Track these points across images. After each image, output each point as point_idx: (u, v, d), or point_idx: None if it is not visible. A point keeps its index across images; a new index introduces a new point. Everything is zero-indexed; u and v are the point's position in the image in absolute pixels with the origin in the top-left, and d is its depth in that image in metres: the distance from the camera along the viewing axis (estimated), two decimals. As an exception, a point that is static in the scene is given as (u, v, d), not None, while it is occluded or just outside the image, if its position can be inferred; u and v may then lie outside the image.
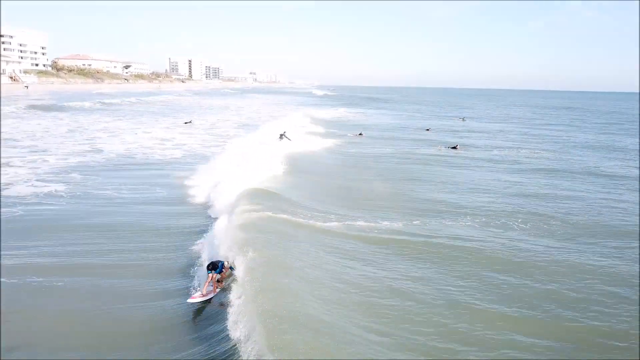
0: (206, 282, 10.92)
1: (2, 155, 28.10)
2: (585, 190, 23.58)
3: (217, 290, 11.06)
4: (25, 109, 60.83)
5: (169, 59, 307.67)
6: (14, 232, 14.78)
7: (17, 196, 19.16)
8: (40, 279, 11.61)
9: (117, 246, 14.01)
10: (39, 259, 12.74)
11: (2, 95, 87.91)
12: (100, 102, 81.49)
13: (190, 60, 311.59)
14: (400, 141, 42.94)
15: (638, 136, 52.51)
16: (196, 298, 10.58)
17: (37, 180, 22.26)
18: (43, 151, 30.44)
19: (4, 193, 19.67)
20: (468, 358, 8.97)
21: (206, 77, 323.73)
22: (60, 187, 20.93)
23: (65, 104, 72.37)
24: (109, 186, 21.40)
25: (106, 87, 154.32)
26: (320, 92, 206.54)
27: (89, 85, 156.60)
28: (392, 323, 9.87)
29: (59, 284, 11.47)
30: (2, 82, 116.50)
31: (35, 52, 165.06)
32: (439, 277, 12.49)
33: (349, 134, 46.28)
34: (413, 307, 10.67)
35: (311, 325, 9.11)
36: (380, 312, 10.28)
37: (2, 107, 59.50)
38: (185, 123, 50.94)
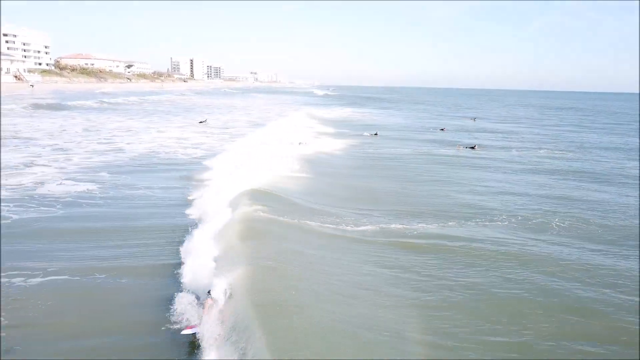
0: (205, 308, 9.40)
1: (25, 154, 28.02)
2: (616, 193, 23.35)
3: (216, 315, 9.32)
4: (36, 107, 60.74)
5: (171, 58, 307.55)
6: (66, 233, 14.67)
7: (52, 195, 19.03)
8: (103, 276, 11.63)
9: (163, 247, 13.88)
10: (94, 261, 12.66)
11: (9, 94, 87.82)
12: (107, 101, 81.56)
13: (192, 60, 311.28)
14: (417, 141, 42.85)
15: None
16: (195, 328, 9.06)
17: (67, 179, 22.12)
18: (65, 150, 30.31)
19: (37, 192, 19.57)
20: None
21: (208, 76, 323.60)
22: (92, 187, 20.79)
23: (75, 102, 72.44)
24: (141, 186, 21.25)
25: (109, 86, 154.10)
26: (320, 92, 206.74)
27: (92, 85, 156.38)
28: (452, 336, 9.53)
29: (123, 280, 11.45)
30: (8, 82, 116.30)
31: (39, 51, 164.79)
32: (489, 283, 12.19)
33: (365, 133, 46.23)
34: (471, 317, 10.36)
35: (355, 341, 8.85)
36: (437, 325, 9.91)
37: (11, 105, 59.47)
38: (200, 122, 50.92)
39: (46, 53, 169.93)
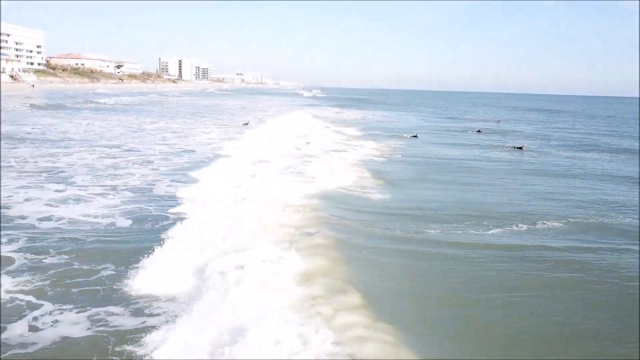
0: None
1: (98, 155, 27.57)
2: None
3: None
4: (56, 108, 59.79)
5: (159, 59, 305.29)
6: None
7: (173, 197, 18.77)
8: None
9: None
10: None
11: (14, 93, 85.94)
12: (120, 102, 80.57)
13: (180, 61, 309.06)
14: (460, 144, 43.00)
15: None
16: None
17: (172, 180, 21.83)
18: (135, 151, 29.86)
19: (154, 193, 19.34)
20: None
21: (196, 77, 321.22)
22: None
23: (90, 104, 71.35)
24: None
25: (103, 86, 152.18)
26: (308, 94, 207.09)
27: (87, 85, 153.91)
28: None
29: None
30: (5, 81, 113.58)
31: (31, 51, 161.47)
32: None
33: (405, 135, 46.55)
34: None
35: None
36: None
37: (21, 106, 58.30)
38: (244, 125, 50.82)
39: (38, 52, 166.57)
